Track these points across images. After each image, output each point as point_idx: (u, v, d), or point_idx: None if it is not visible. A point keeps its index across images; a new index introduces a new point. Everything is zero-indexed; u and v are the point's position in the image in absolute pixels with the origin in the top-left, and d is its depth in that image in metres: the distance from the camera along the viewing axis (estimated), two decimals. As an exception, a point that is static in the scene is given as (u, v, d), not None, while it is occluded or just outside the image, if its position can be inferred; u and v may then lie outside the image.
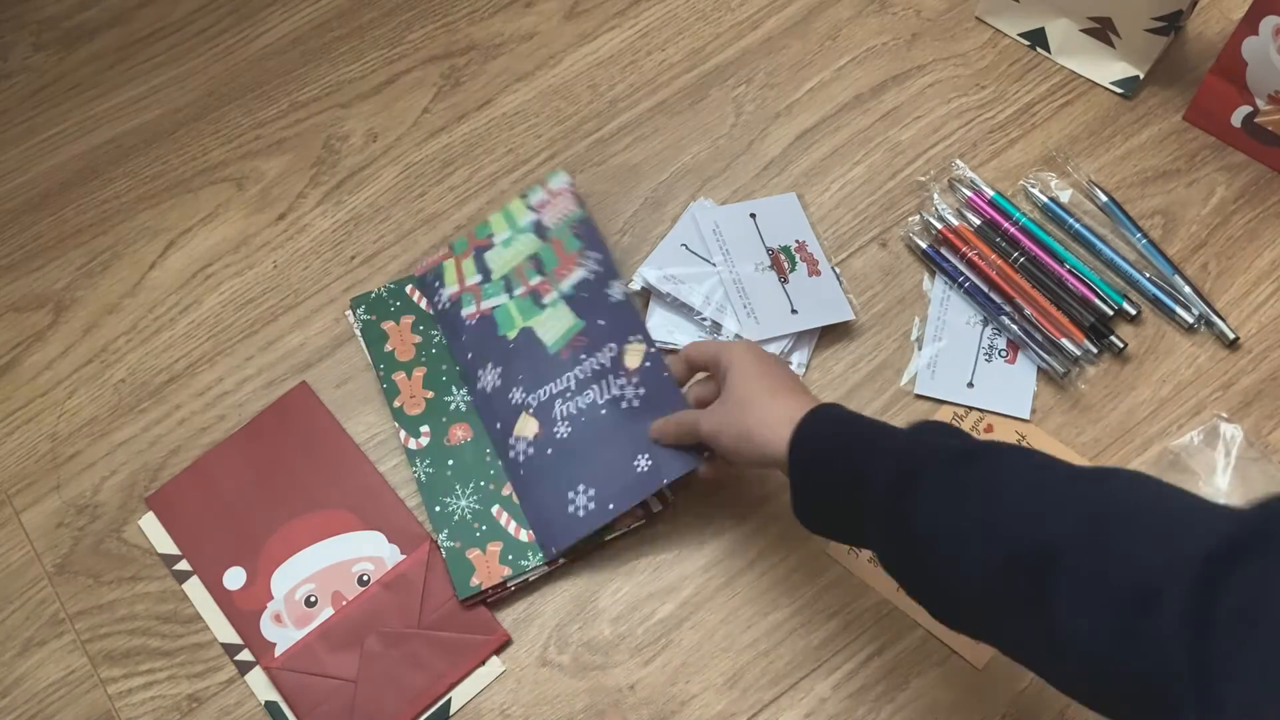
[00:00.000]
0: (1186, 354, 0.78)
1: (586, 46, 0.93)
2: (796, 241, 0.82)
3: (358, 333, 0.81)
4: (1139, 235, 0.81)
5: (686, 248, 0.82)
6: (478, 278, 0.76)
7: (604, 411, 0.71)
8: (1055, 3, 0.87)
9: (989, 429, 0.76)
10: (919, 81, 0.89)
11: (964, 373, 0.77)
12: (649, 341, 0.73)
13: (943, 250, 0.81)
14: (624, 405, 0.71)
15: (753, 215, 0.83)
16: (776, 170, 0.86)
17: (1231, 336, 0.77)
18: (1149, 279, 0.79)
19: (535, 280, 0.75)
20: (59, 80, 0.94)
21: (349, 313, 0.82)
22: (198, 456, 0.77)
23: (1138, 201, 0.83)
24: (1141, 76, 0.87)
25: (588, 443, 0.71)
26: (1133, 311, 0.78)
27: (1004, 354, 0.78)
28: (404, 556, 0.73)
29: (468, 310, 0.75)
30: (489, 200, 0.86)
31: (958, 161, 0.85)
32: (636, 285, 0.80)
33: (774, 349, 0.77)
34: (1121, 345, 0.77)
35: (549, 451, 0.71)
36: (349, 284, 0.84)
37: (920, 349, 0.79)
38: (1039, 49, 0.90)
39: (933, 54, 0.91)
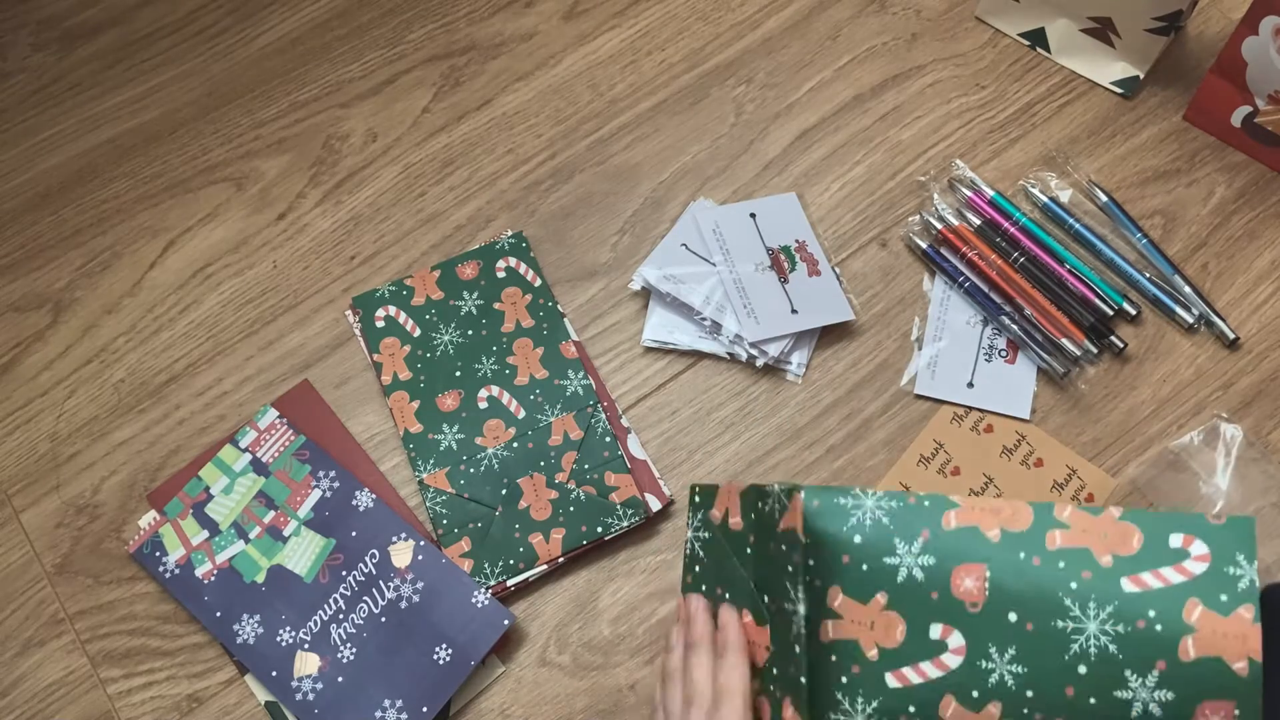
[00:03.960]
0: (1186, 354, 0.78)
1: (586, 46, 0.93)
2: (796, 241, 0.82)
3: (357, 333, 0.81)
4: (1139, 235, 0.81)
5: (686, 247, 0.82)
6: (204, 534, 0.73)
7: (384, 619, 0.70)
8: (1055, 3, 0.87)
9: (989, 429, 0.76)
10: (919, 81, 0.89)
11: (964, 373, 0.77)
12: (415, 536, 0.72)
13: (943, 250, 0.81)
14: (404, 605, 0.70)
15: (753, 215, 0.83)
16: (776, 170, 0.86)
17: (1231, 336, 0.77)
18: (1149, 279, 0.79)
19: (269, 516, 0.73)
20: (59, 80, 0.94)
21: (349, 313, 0.82)
22: (197, 455, 0.77)
23: (1138, 201, 0.83)
24: (1141, 76, 0.87)
25: (379, 656, 0.69)
26: (1133, 311, 0.78)
27: (1004, 354, 0.78)
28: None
29: (202, 569, 0.72)
30: (488, 200, 0.86)
31: (958, 161, 0.85)
32: (636, 285, 0.81)
33: (774, 349, 0.77)
34: (1121, 345, 0.77)
35: (340, 680, 0.69)
36: (349, 284, 0.84)
37: (920, 349, 0.79)
38: (1039, 49, 0.90)
39: (933, 54, 0.91)
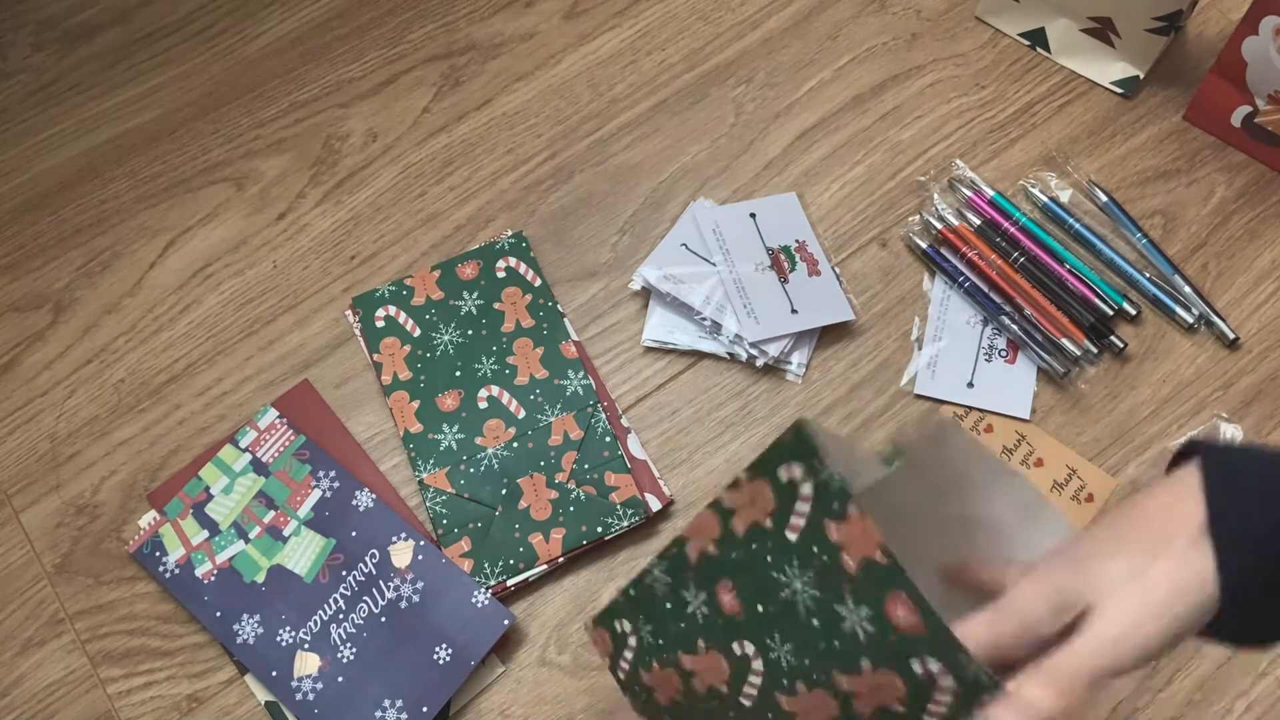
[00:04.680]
0: (1187, 354, 0.78)
1: (586, 46, 0.93)
2: (796, 241, 0.82)
3: (357, 333, 0.81)
4: (1139, 235, 0.81)
5: (686, 247, 0.82)
6: (204, 534, 0.73)
7: (384, 619, 0.70)
8: (1055, 3, 0.87)
9: (989, 429, 0.76)
10: (919, 81, 0.89)
11: (964, 373, 0.77)
12: (415, 536, 0.72)
13: (943, 250, 0.81)
14: (404, 605, 0.70)
15: (753, 215, 0.83)
16: (776, 170, 0.86)
17: (1231, 336, 0.77)
18: (1149, 279, 0.79)
19: (269, 516, 0.73)
20: (59, 80, 0.94)
21: (349, 313, 0.82)
22: (197, 455, 0.77)
23: (1138, 201, 0.83)
24: (1141, 76, 0.87)
25: (379, 656, 0.69)
26: (1133, 311, 0.78)
27: (1004, 354, 0.78)
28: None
29: (202, 569, 0.72)
30: (488, 200, 0.86)
31: (958, 161, 0.85)
32: (636, 285, 0.81)
33: (774, 349, 0.77)
34: (1121, 345, 0.77)
35: (340, 680, 0.69)
36: (349, 284, 0.84)
37: (920, 349, 0.79)
38: (1039, 49, 0.90)
39: (933, 54, 0.91)
